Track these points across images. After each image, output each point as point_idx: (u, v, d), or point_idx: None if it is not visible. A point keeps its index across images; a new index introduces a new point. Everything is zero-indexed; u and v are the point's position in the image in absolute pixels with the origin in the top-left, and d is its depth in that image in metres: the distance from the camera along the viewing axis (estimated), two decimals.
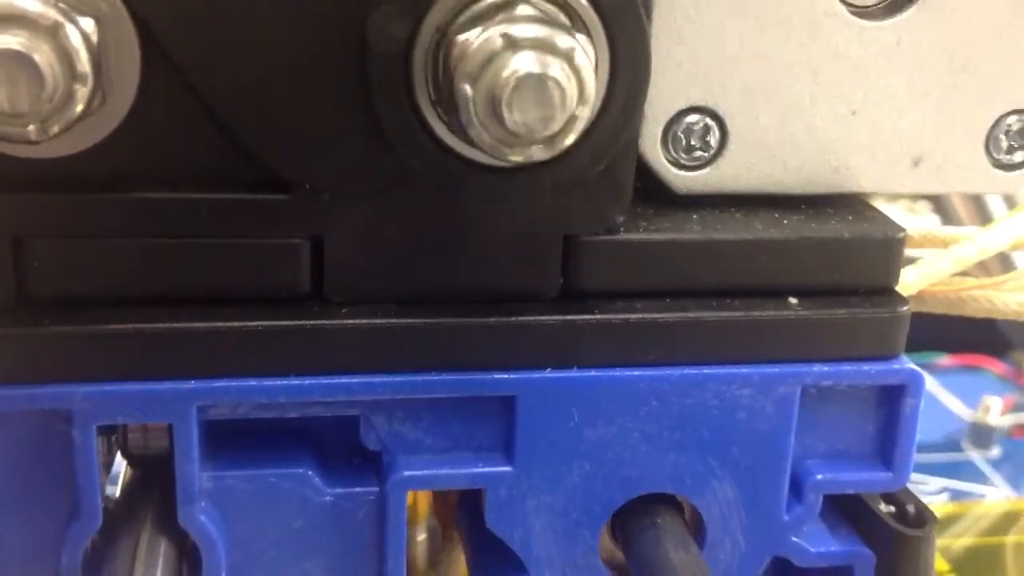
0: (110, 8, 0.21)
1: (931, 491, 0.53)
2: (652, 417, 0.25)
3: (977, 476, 0.56)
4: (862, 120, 0.26)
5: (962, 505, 0.51)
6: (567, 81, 0.20)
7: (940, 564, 0.44)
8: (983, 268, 0.31)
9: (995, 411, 0.60)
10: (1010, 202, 0.81)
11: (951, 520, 0.49)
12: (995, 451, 0.60)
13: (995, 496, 0.53)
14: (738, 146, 0.26)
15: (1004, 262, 0.53)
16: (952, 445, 0.61)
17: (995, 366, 0.88)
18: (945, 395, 0.89)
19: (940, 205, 0.82)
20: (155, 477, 0.25)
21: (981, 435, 0.59)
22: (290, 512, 0.25)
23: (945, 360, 0.90)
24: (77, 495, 0.24)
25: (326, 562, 0.25)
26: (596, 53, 0.21)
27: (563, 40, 0.20)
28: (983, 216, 0.85)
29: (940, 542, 0.43)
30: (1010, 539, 0.47)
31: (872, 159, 0.27)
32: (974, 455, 0.60)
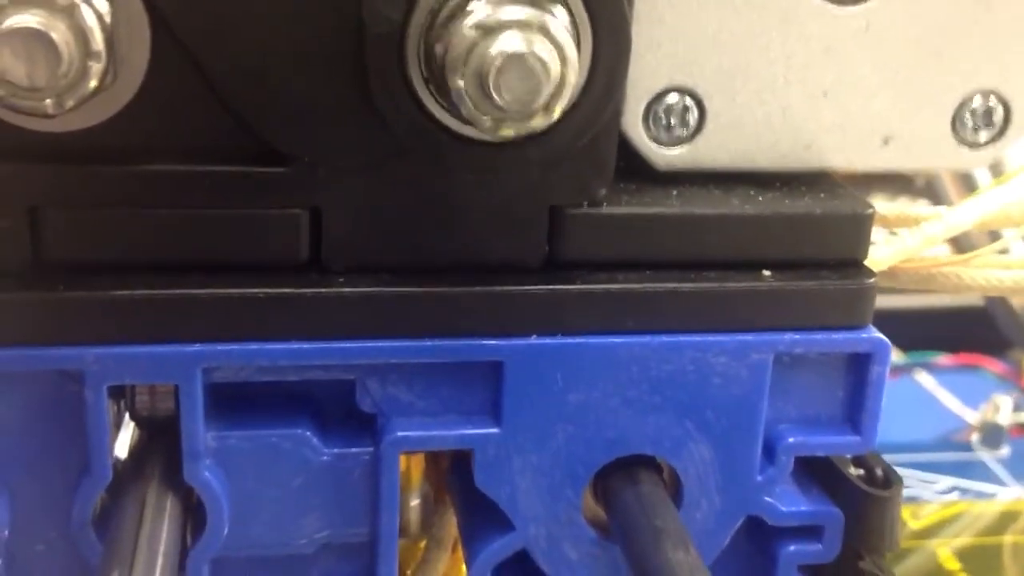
0: None
1: (941, 490, 0.53)
2: (632, 382, 0.26)
3: (987, 475, 0.57)
4: (833, 101, 0.28)
5: (971, 503, 0.51)
6: (551, 58, 0.21)
7: (951, 562, 0.45)
8: (971, 247, 0.33)
9: (1005, 410, 0.60)
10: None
11: (959, 518, 0.49)
12: (1005, 450, 0.61)
13: (1006, 495, 0.53)
14: (716, 125, 0.28)
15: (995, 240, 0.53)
16: (961, 445, 0.61)
17: (994, 365, 0.89)
18: (944, 394, 0.90)
19: (936, 195, 0.83)
20: (162, 438, 0.26)
21: (991, 434, 0.59)
22: (289, 470, 0.26)
23: (944, 359, 0.91)
24: (88, 453, 0.25)
25: (323, 518, 0.27)
26: (578, 32, 0.23)
27: (547, 20, 0.21)
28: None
29: (948, 540, 0.44)
30: (1009, 539, 0.47)
31: (843, 138, 0.28)
32: (984, 455, 0.60)
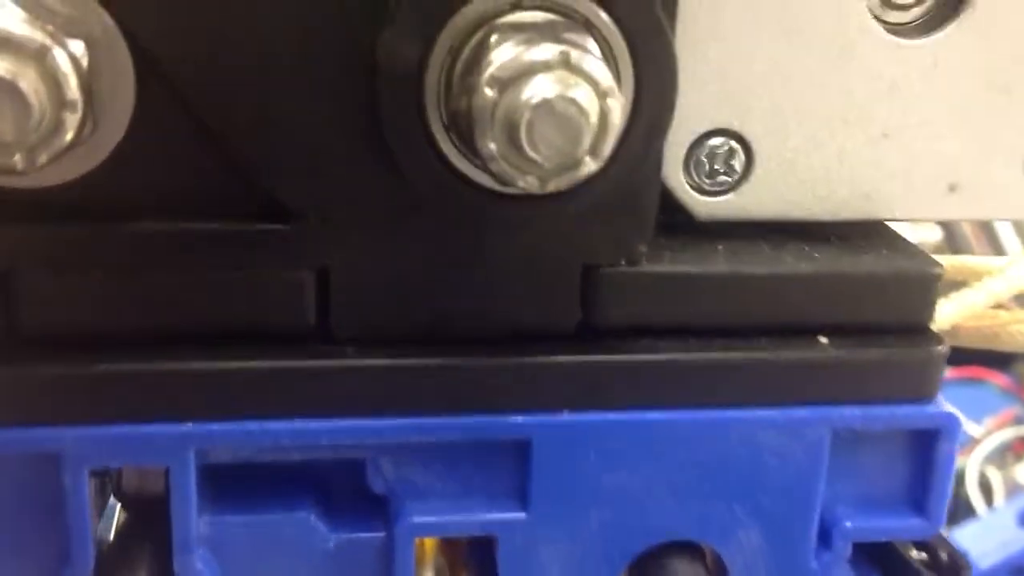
0: (102, 30, 0.20)
1: None
2: (675, 462, 0.24)
3: None
4: (895, 144, 0.25)
5: None
6: (590, 105, 0.19)
7: None
8: (1018, 300, 0.30)
9: None
10: (1017, 225, 0.81)
11: None
12: None
13: None
14: (764, 170, 0.25)
15: None
16: None
17: (998, 379, 0.88)
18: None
19: (953, 238, 0.82)
20: (150, 520, 0.24)
21: None
22: (292, 559, 0.24)
23: (948, 372, 0.90)
24: (68, 541, 0.23)
25: None
26: (618, 68, 0.20)
27: (587, 62, 0.19)
28: (988, 233, 0.84)
29: None
30: None
31: (906, 185, 0.26)
32: None
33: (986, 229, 0.83)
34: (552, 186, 0.20)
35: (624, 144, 0.21)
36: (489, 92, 0.19)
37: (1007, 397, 0.88)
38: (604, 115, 0.19)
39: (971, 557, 0.69)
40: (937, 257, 0.27)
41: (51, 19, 0.19)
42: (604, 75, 0.19)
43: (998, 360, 0.88)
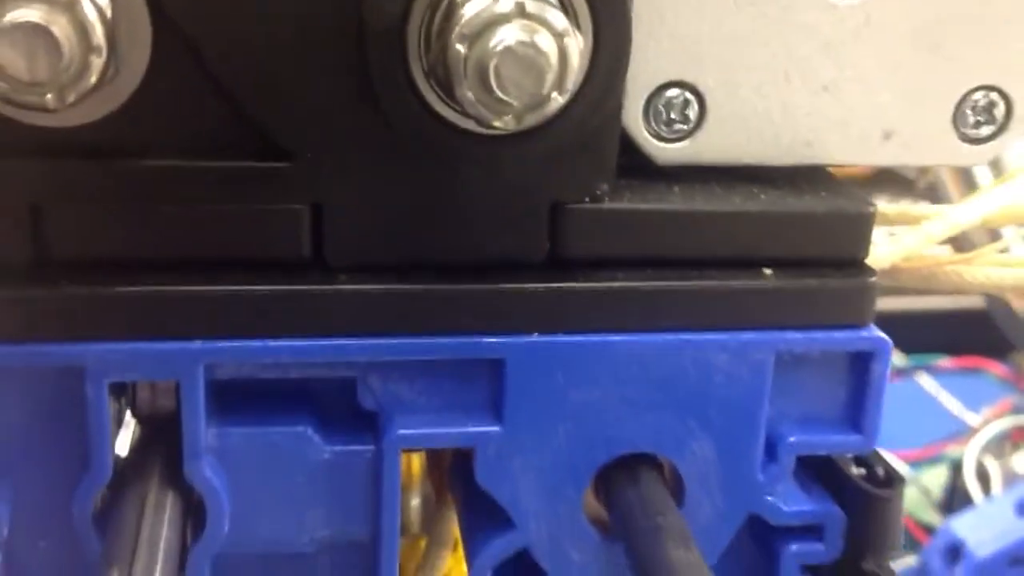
0: None
1: None
2: (633, 380, 0.26)
3: None
4: (834, 95, 0.28)
5: None
6: (552, 50, 0.21)
7: None
8: (972, 247, 0.32)
9: None
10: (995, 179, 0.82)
11: None
12: None
13: None
14: (716, 119, 0.27)
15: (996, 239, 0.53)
16: None
17: (996, 368, 0.89)
18: (946, 397, 0.90)
19: (938, 199, 0.83)
20: (163, 435, 0.26)
21: None
22: (290, 468, 0.26)
23: (946, 362, 0.90)
24: (89, 450, 0.25)
25: (324, 516, 0.27)
26: (579, 23, 0.22)
27: (548, 12, 0.21)
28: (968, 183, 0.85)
29: None
30: None
31: (844, 133, 0.28)
32: None
33: (967, 184, 0.84)
34: (526, 122, 0.22)
35: (585, 86, 0.23)
36: (460, 47, 0.22)
37: (1005, 386, 0.88)
38: (563, 54, 0.21)
39: (968, 546, 0.70)
40: (883, 205, 0.30)
41: None
42: (559, 19, 0.21)
43: (996, 350, 0.89)
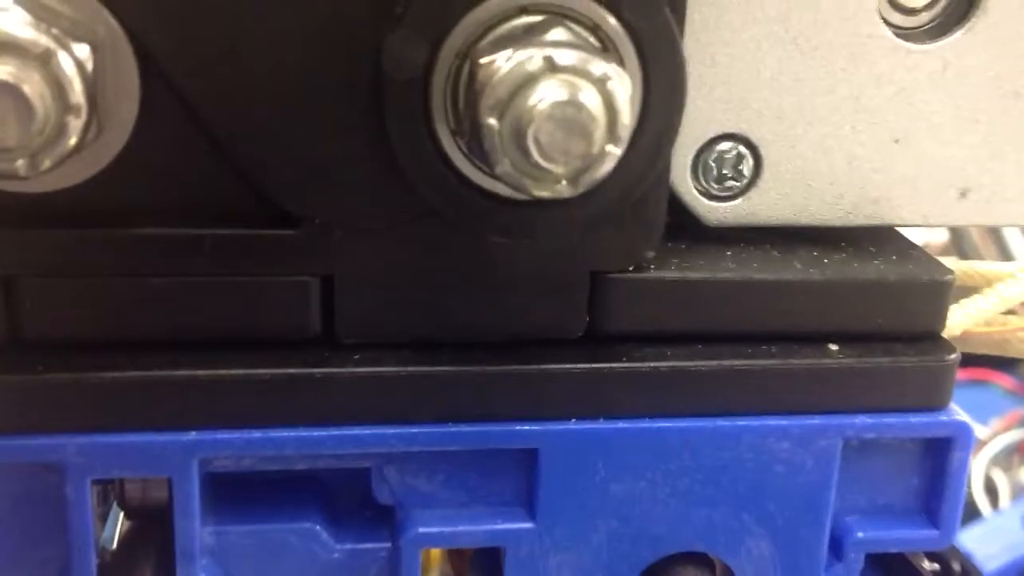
0: (107, 33, 0.20)
1: None
2: (683, 471, 0.24)
3: None
4: (905, 149, 0.25)
5: None
6: (600, 111, 0.19)
7: None
8: None
9: None
10: None
11: None
12: None
13: None
14: (773, 175, 0.25)
15: None
16: None
17: (1003, 380, 0.87)
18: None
19: (962, 250, 0.81)
20: (153, 529, 0.24)
21: None
22: (297, 569, 0.24)
23: None
24: (70, 552, 0.22)
25: None
26: (629, 81, 0.20)
27: (596, 66, 0.19)
28: (994, 235, 0.83)
29: None
30: None
31: (915, 190, 0.25)
32: None
33: (992, 231, 0.82)
34: (582, 186, 0.20)
35: (632, 150, 0.21)
36: (498, 94, 0.19)
37: (1013, 399, 0.87)
38: (609, 102, 0.19)
39: (976, 559, 0.69)
40: (946, 262, 0.27)
41: (56, 22, 0.19)
42: (597, 65, 0.18)
43: (1003, 362, 0.88)
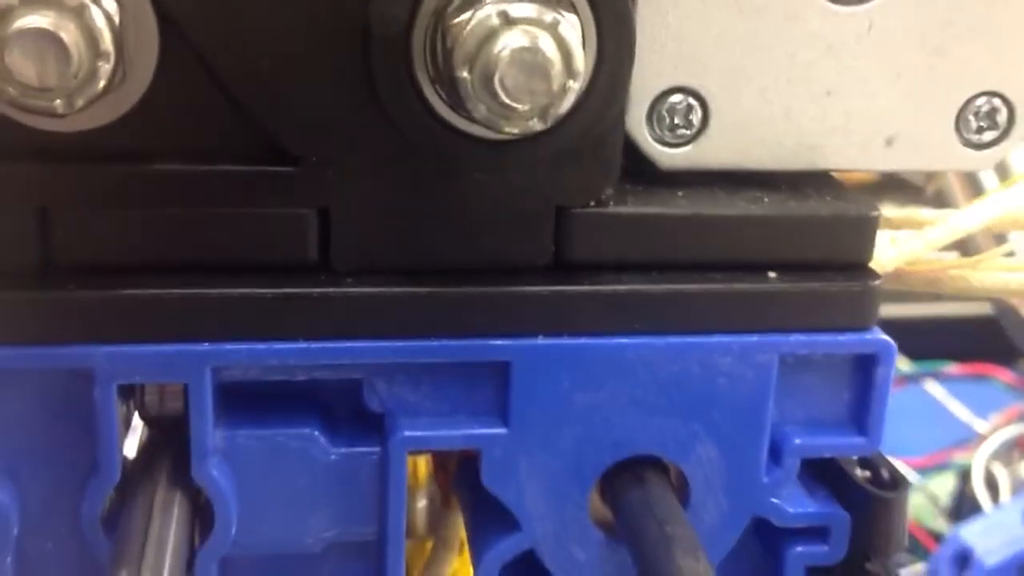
0: None
1: None
2: (639, 383, 0.26)
3: None
4: (836, 101, 0.28)
5: None
6: (556, 55, 0.21)
7: None
8: (977, 252, 0.32)
9: None
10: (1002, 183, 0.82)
11: None
12: None
13: None
14: (719, 125, 0.28)
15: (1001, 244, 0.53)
16: None
17: (1004, 375, 0.88)
18: (954, 404, 0.89)
19: (944, 202, 0.83)
20: (170, 437, 0.26)
21: None
22: (297, 469, 0.26)
23: (953, 368, 0.90)
24: (97, 451, 0.25)
25: (331, 517, 0.27)
26: (584, 30, 0.23)
27: (550, 16, 0.21)
28: (1000, 242, 0.86)
29: None
30: None
31: (846, 138, 0.28)
32: None
33: (996, 234, 0.84)
34: (517, 128, 0.23)
35: (590, 90, 0.23)
36: (470, 42, 0.22)
37: (1013, 393, 0.87)
38: (562, 44, 0.21)
39: (977, 554, 0.70)
40: (888, 210, 0.30)
41: None
42: (572, 35, 0.21)
43: (1004, 356, 0.89)
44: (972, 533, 0.72)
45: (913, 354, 0.87)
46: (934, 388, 0.89)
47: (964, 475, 0.82)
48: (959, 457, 0.83)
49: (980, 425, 0.86)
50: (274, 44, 0.23)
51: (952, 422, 0.89)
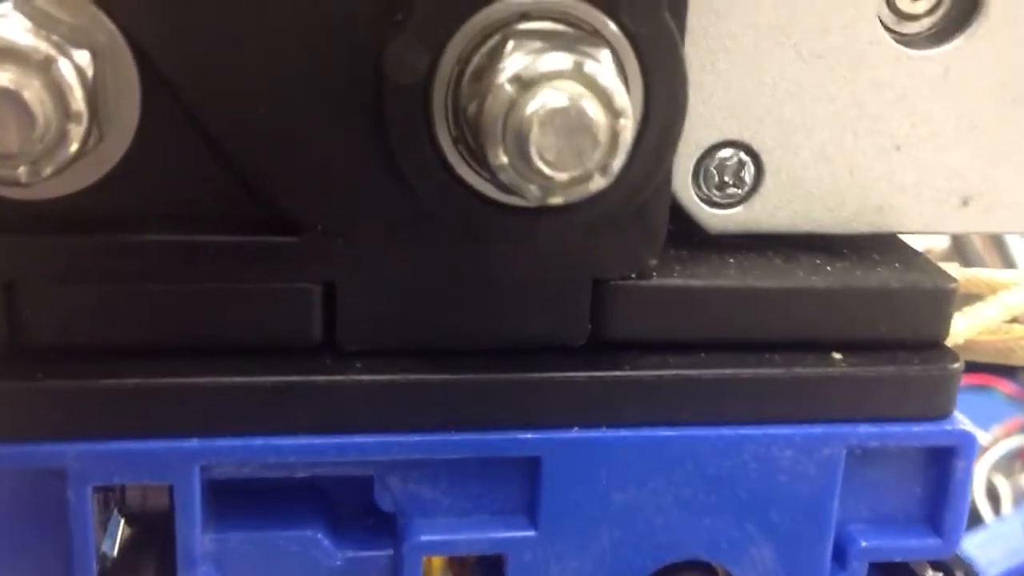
0: (108, 39, 0.20)
1: None
2: (686, 480, 0.24)
3: None
4: (907, 156, 0.25)
5: None
6: (600, 116, 0.19)
7: None
8: None
9: None
10: None
11: None
12: None
13: None
14: (774, 183, 0.25)
15: None
16: None
17: (1005, 386, 0.87)
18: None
19: (965, 257, 0.81)
20: (154, 535, 0.24)
21: None
22: None
23: None
24: (71, 557, 0.22)
25: None
26: (627, 80, 0.20)
27: (596, 71, 0.18)
28: (1000, 251, 0.83)
29: None
30: None
31: (917, 198, 0.25)
32: None
33: (995, 238, 0.82)
34: (559, 198, 0.20)
35: (634, 156, 0.20)
36: (499, 101, 0.19)
37: (1014, 404, 0.87)
38: (615, 133, 0.19)
39: (978, 565, 0.69)
40: (949, 270, 0.27)
41: (56, 28, 0.19)
42: (619, 92, 0.19)
43: (1005, 368, 0.87)
44: (974, 544, 0.71)
45: None
46: None
47: None
48: None
49: (981, 436, 0.86)
50: (274, 95, 0.21)
51: None
